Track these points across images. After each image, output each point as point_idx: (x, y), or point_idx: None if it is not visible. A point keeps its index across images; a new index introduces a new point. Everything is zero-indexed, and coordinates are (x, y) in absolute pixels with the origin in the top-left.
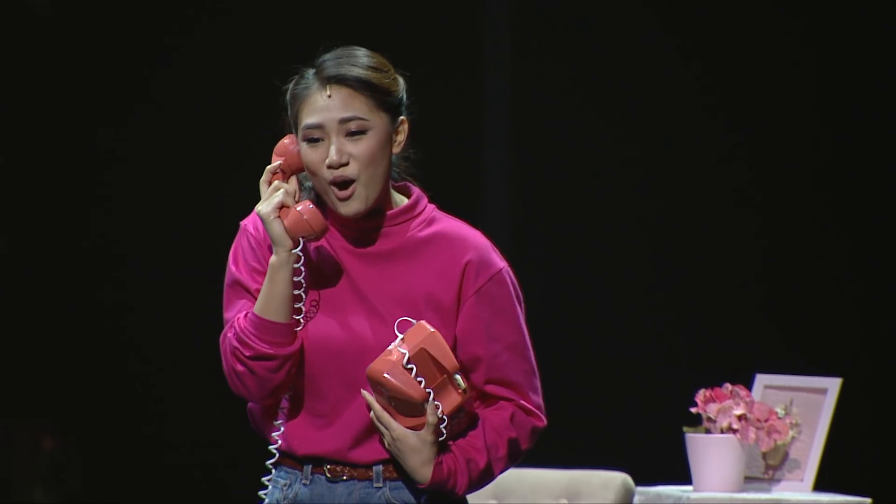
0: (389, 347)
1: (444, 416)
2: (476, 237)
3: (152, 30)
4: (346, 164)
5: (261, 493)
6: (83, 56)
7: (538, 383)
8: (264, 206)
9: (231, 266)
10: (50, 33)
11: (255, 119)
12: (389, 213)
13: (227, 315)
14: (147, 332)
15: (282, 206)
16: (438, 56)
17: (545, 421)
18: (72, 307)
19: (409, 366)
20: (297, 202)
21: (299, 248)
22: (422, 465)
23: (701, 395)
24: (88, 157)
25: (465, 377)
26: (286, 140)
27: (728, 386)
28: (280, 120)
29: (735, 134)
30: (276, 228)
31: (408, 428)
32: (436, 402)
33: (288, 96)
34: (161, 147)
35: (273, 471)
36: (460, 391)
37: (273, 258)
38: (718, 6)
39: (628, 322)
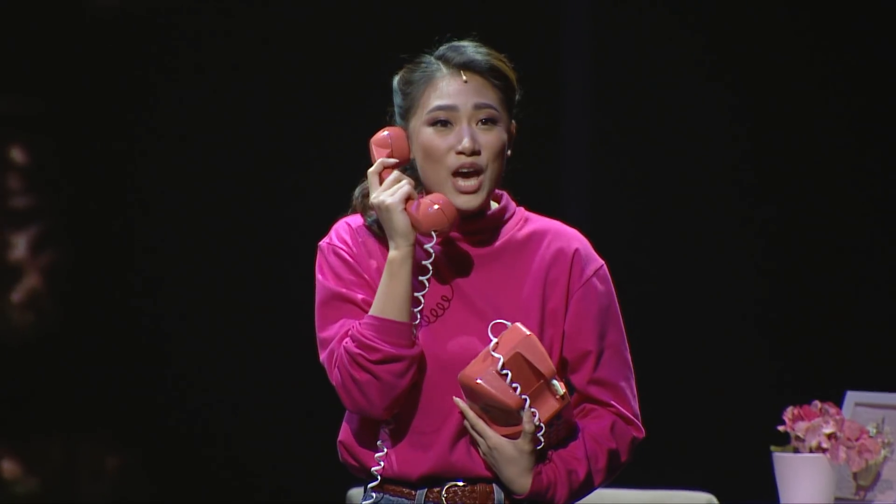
0: (483, 352)
1: (542, 424)
2: (576, 232)
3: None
4: (478, 154)
5: None
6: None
7: (636, 390)
8: (389, 196)
9: (325, 284)
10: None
11: (291, 125)
12: (488, 213)
13: (326, 334)
14: (211, 346)
15: (407, 199)
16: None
17: (644, 432)
18: (132, 320)
19: (504, 371)
20: (420, 195)
21: (433, 242)
22: (519, 476)
23: (789, 412)
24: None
25: (563, 382)
26: (391, 132)
27: (817, 403)
28: (386, 111)
29: (834, 147)
30: (402, 220)
31: (504, 436)
32: (532, 410)
33: (399, 82)
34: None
35: (373, 496)
36: (558, 397)
37: (394, 253)
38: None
39: (713, 337)
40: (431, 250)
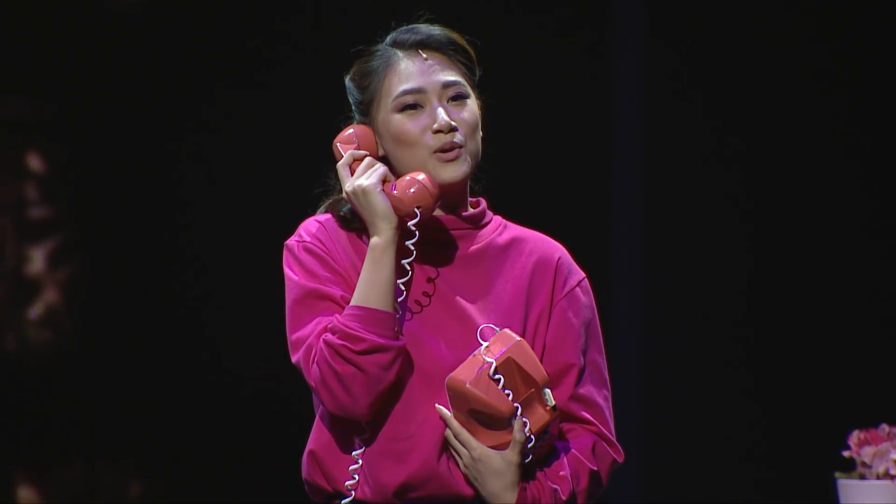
0: (472, 356)
1: (532, 436)
2: (557, 242)
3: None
4: (455, 130)
5: None
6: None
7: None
8: (365, 179)
9: (298, 281)
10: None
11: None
12: (465, 214)
13: (299, 333)
14: (238, 365)
15: (384, 181)
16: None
17: (623, 455)
18: (155, 337)
19: (497, 376)
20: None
21: (415, 220)
22: (504, 490)
23: (855, 437)
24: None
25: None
26: (356, 129)
27: (885, 427)
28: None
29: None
30: (382, 201)
31: (489, 447)
32: (523, 419)
33: (354, 77)
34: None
35: None
36: (548, 408)
37: (376, 239)
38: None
39: (776, 358)
40: (415, 230)
